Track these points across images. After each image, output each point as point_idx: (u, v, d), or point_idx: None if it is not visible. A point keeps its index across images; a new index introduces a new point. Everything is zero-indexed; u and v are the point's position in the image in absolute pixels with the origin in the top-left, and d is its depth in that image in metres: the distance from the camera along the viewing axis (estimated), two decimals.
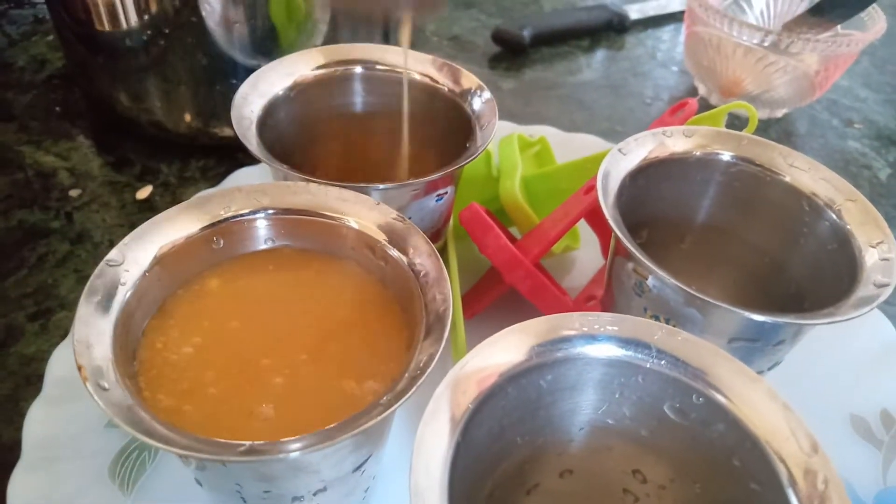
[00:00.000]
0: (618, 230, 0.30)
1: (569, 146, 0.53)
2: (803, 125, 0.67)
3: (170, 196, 0.52)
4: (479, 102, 0.38)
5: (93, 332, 0.24)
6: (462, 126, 0.38)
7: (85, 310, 0.25)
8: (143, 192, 0.52)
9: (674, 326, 0.31)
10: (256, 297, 0.30)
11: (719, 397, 0.25)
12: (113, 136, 0.57)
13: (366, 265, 0.31)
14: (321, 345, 0.28)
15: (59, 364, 0.36)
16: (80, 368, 0.23)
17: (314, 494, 0.26)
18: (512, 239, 0.45)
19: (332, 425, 0.22)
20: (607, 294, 0.36)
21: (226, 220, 0.30)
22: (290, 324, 0.29)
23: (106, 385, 0.23)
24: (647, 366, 0.26)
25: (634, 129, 0.60)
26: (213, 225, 0.30)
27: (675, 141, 0.36)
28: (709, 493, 0.27)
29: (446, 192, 0.36)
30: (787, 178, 0.35)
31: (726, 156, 0.36)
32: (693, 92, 0.69)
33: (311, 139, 0.41)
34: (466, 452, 0.23)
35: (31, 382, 0.39)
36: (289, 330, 0.29)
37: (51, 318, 0.43)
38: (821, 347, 0.39)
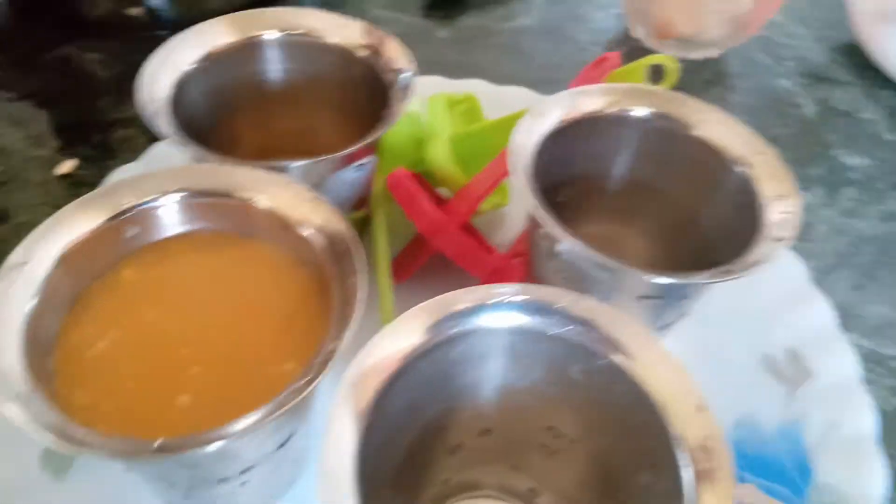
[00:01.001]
0: (529, 196, 0.30)
1: (500, 99, 0.52)
2: (736, 65, 0.67)
3: (93, 170, 0.51)
4: (399, 68, 0.38)
5: (2, 338, 0.24)
6: (380, 92, 0.38)
7: None
8: (64, 168, 0.51)
9: (586, 287, 0.32)
10: (173, 285, 0.30)
11: (619, 360, 0.26)
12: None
13: (281, 246, 0.31)
14: (239, 329, 0.29)
15: None
16: None
17: (241, 473, 0.27)
18: (442, 201, 0.45)
19: (243, 416, 0.23)
20: (528, 257, 0.37)
21: (135, 207, 0.30)
22: (208, 310, 0.29)
23: (15, 393, 0.23)
24: (550, 333, 0.27)
25: (570, 75, 0.60)
26: (122, 213, 0.30)
27: (592, 99, 0.36)
28: (617, 446, 0.28)
29: (366, 162, 0.36)
30: (699, 133, 0.36)
31: (641, 112, 0.37)
32: (628, 35, 0.69)
33: (229, 113, 0.40)
34: (378, 432, 0.24)
35: None
36: (206, 316, 0.29)
37: None
38: (733, 290, 0.41)
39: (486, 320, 0.26)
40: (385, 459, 0.26)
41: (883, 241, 0.52)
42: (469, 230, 0.44)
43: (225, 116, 0.40)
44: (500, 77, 0.57)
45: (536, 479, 0.33)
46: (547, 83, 0.61)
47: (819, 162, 0.57)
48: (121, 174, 0.45)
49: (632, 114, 0.37)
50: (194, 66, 0.37)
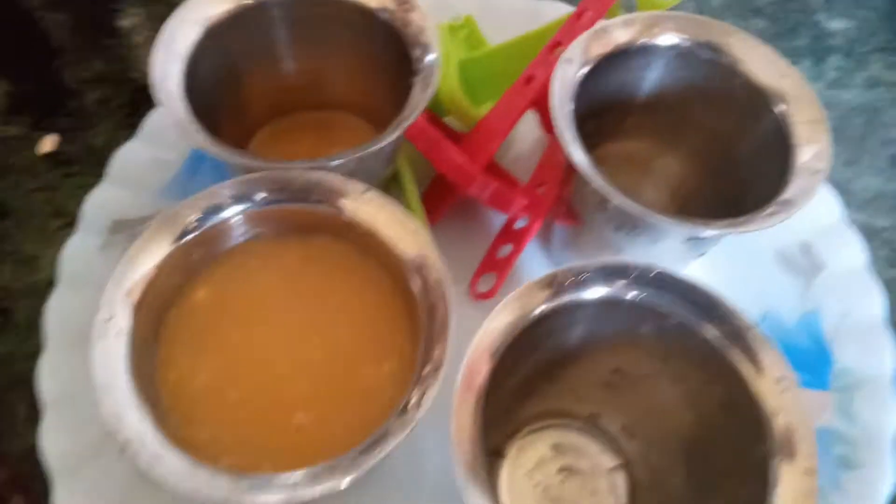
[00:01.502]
0: (578, 154, 0.31)
1: (493, 10, 0.50)
2: None
3: (79, 144, 0.48)
4: (425, 42, 0.36)
5: (117, 398, 0.25)
6: (398, 52, 0.36)
7: (101, 376, 0.25)
8: (46, 145, 0.48)
9: (636, 234, 0.34)
10: (248, 298, 0.30)
11: (691, 320, 0.29)
12: None
13: (347, 243, 0.31)
14: (329, 335, 0.30)
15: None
16: (124, 448, 0.24)
17: None
18: (455, 137, 0.45)
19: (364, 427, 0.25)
20: (573, 209, 0.37)
21: (199, 226, 0.29)
22: (291, 320, 0.30)
23: (151, 453, 0.24)
24: (627, 298, 0.29)
25: None
26: (186, 237, 0.29)
27: (621, 33, 0.36)
28: (684, 385, 0.31)
29: (396, 138, 0.35)
30: (726, 59, 0.36)
31: (668, 40, 0.36)
32: None
33: (240, 86, 0.38)
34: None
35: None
36: (292, 327, 0.30)
37: (8, 314, 0.42)
38: None
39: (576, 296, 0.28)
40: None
41: (870, 109, 0.54)
42: (491, 168, 0.44)
43: (236, 91, 0.38)
44: None
45: (598, 406, 0.37)
46: None
47: (803, 31, 0.58)
48: (126, 154, 0.43)
49: (659, 43, 0.36)
50: (198, 46, 0.35)
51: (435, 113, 0.44)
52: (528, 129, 0.47)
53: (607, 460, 0.37)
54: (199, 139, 0.31)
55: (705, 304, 0.28)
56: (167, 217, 0.28)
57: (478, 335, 0.26)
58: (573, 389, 0.36)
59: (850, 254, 0.42)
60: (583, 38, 0.34)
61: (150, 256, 0.28)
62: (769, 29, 0.58)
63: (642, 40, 0.36)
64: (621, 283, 0.29)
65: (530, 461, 0.36)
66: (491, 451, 0.35)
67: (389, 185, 0.42)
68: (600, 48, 0.35)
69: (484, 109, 0.46)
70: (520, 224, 0.43)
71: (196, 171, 0.44)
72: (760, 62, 0.35)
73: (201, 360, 0.29)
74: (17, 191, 0.46)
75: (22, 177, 0.47)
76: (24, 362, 0.40)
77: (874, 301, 0.41)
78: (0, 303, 0.42)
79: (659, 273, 0.29)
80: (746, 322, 0.28)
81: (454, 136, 0.45)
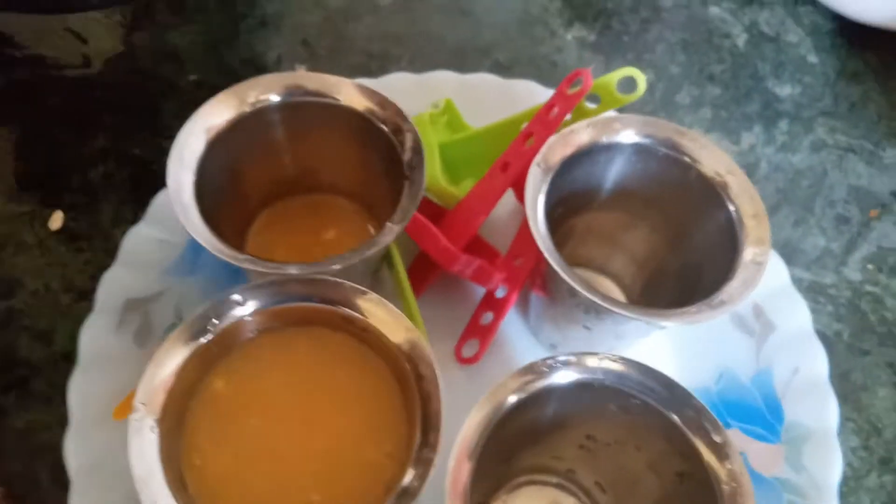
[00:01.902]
0: (560, 271, 0.35)
1: (470, 91, 0.55)
2: None
3: (85, 220, 0.51)
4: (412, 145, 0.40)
5: (154, 489, 0.29)
6: (390, 154, 0.41)
7: (139, 469, 0.29)
8: (56, 222, 0.51)
9: (602, 318, 0.38)
10: (261, 388, 0.34)
11: (651, 402, 0.33)
12: None
13: (347, 336, 0.35)
14: (334, 420, 0.33)
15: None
16: None
17: None
18: (437, 211, 0.49)
19: None
20: (546, 289, 0.42)
21: (215, 329, 0.33)
22: (301, 406, 0.34)
23: None
24: (595, 384, 0.33)
25: (516, 34, 0.62)
26: (205, 337, 0.33)
27: (582, 135, 0.40)
28: (646, 452, 0.36)
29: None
30: (679, 155, 0.41)
31: (627, 138, 0.41)
32: None
33: (242, 182, 0.42)
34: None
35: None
36: (301, 413, 0.33)
37: (26, 386, 0.45)
38: None
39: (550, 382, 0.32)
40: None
41: (815, 171, 0.59)
42: (471, 240, 0.48)
43: (238, 178, 0.42)
44: (454, 43, 0.59)
45: (574, 463, 0.41)
46: (499, 47, 0.63)
47: (754, 96, 0.63)
48: (135, 237, 0.47)
49: (619, 141, 0.41)
50: (207, 148, 0.39)
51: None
52: (505, 199, 0.51)
53: None
54: (220, 249, 0.34)
55: (664, 387, 0.33)
56: (188, 322, 0.32)
57: (458, 438, 0.30)
58: (551, 450, 0.40)
59: (796, 315, 0.47)
60: (549, 143, 0.39)
61: (175, 357, 0.32)
62: (724, 95, 0.63)
63: (604, 139, 0.40)
64: (589, 367, 0.33)
65: None
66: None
67: (383, 262, 0.46)
68: (563, 152, 0.39)
69: (465, 185, 0.50)
70: (500, 293, 0.47)
71: (200, 250, 0.47)
72: (710, 159, 0.40)
73: (222, 446, 0.32)
74: (30, 268, 0.49)
75: (34, 254, 0.50)
76: (45, 432, 0.43)
77: (818, 360, 0.45)
78: (20, 375, 0.45)
79: (623, 360, 0.33)
80: (699, 404, 0.32)
81: (437, 212, 0.49)
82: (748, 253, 0.37)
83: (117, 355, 0.43)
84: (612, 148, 0.40)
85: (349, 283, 0.34)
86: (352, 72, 0.50)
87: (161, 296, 0.46)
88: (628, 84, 0.44)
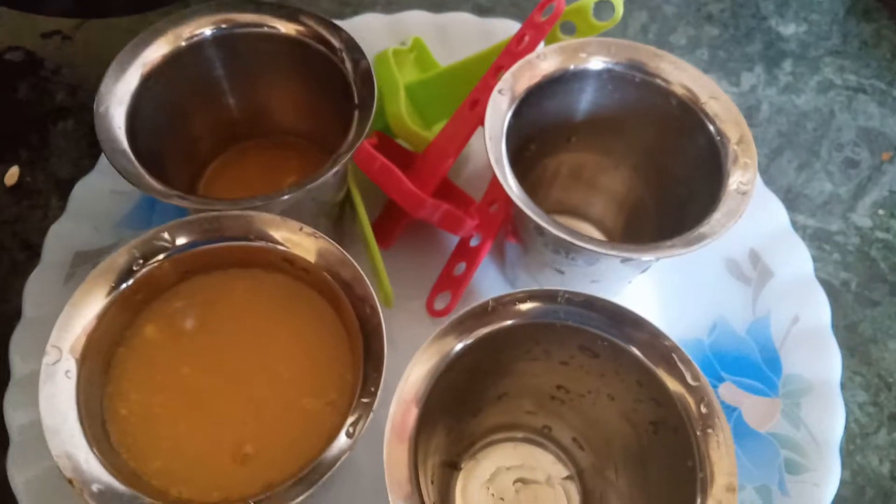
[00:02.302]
0: (523, 206, 0.32)
1: (444, 31, 0.51)
2: None
3: (42, 176, 0.49)
4: (356, 58, 0.37)
5: (65, 438, 0.26)
6: (340, 83, 0.37)
7: (49, 418, 0.26)
8: (12, 177, 0.49)
9: (574, 256, 0.35)
10: (194, 334, 0.31)
11: (619, 342, 0.30)
12: None
13: (288, 277, 0.32)
14: (273, 367, 0.31)
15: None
16: (71, 482, 0.25)
17: None
18: (408, 157, 0.46)
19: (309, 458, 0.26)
20: (515, 231, 0.39)
21: (139, 270, 0.30)
22: (237, 354, 0.31)
23: (99, 488, 0.25)
24: (558, 324, 0.30)
25: None
26: (127, 282, 0.30)
27: (549, 61, 0.37)
28: (619, 401, 0.32)
29: (342, 165, 0.36)
30: (657, 81, 0.37)
31: (599, 64, 0.37)
32: None
33: (187, 124, 0.39)
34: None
35: None
36: (238, 361, 0.31)
37: None
38: None
39: (509, 322, 0.29)
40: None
41: (821, 113, 0.55)
42: (444, 187, 0.45)
43: (182, 120, 0.39)
44: None
45: (549, 419, 0.38)
46: None
47: (756, 36, 0.59)
48: (85, 188, 0.44)
49: (591, 68, 0.37)
50: (138, 87, 0.36)
51: (388, 135, 0.46)
52: (481, 146, 0.48)
53: (560, 470, 0.38)
54: (143, 182, 0.32)
55: (632, 326, 0.29)
56: (106, 263, 0.29)
57: (399, 386, 0.27)
58: (523, 404, 0.37)
59: (796, 261, 0.43)
60: (512, 69, 0.35)
61: (93, 302, 0.29)
62: (722, 35, 0.59)
63: (573, 66, 0.36)
64: (551, 307, 0.30)
65: (486, 473, 0.38)
66: (447, 463, 0.37)
67: (344, 207, 0.43)
68: (530, 78, 0.36)
69: (436, 129, 0.47)
70: (474, 242, 0.44)
71: (154, 201, 0.45)
72: (691, 84, 0.36)
73: (151, 394, 0.30)
74: None
75: None
76: None
77: (820, 308, 0.42)
78: None
79: (587, 298, 0.30)
80: (671, 342, 0.29)
81: (407, 157, 0.46)
82: (733, 182, 0.33)
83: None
84: (583, 75, 0.37)
85: (288, 219, 0.31)
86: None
87: (113, 248, 0.43)
88: (606, 9, 0.40)
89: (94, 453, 0.26)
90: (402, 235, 0.46)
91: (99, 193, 0.44)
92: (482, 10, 0.58)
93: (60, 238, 0.42)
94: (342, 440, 0.26)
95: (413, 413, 0.27)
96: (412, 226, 0.45)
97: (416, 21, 0.52)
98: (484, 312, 0.29)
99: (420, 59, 0.48)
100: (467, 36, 0.51)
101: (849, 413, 0.43)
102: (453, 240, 0.45)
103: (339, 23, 0.49)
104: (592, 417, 0.35)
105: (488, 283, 0.45)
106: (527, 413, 0.38)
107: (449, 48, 0.50)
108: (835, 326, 0.43)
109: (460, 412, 0.35)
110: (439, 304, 0.44)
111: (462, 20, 0.52)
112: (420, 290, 0.44)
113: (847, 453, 0.42)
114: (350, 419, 0.27)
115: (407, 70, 0.47)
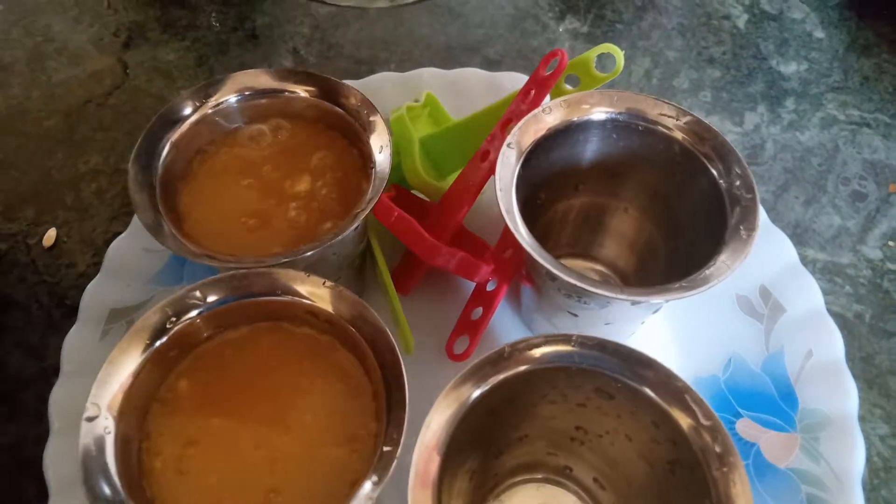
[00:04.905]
0: (534, 254, 0.33)
1: (455, 86, 0.54)
2: None
3: (77, 235, 0.52)
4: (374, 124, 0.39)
5: (102, 492, 0.28)
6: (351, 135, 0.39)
7: (88, 472, 0.28)
8: (49, 239, 0.51)
9: (586, 301, 0.36)
10: (224, 387, 0.33)
11: (633, 384, 0.31)
12: None
13: (312, 330, 0.34)
14: (298, 419, 0.32)
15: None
16: None
17: None
18: (424, 207, 0.48)
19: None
20: (528, 276, 0.40)
21: (170, 330, 0.32)
22: (265, 405, 0.32)
23: None
24: (573, 368, 0.31)
25: (506, 30, 0.61)
26: (161, 340, 0.32)
27: (554, 115, 0.39)
28: (637, 442, 0.33)
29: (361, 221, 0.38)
30: (658, 128, 0.39)
31: (602, 115, 0.39)
32: None
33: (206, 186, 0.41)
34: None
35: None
36: (265, 412, 0.32)
37: (16, 400, 0.45)
38: None
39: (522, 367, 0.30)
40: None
41: (826, 149, 0.56)
42: (460, 234, 0.47)
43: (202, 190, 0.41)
44: (440, 46, 0.58)
45: (570, 459, 0.38)
46: (487, 44, 0.62)
47: (757, 76, 0.61)
48: (119, 247, 0.46)
49: (594, 118, 0.39)
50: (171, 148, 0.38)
51: (404, 187, 0.48)
52: (494, 194, 0.50)
53: None
54: (174, 244, 0.34)
55: (644, 368, 0.30)
56: (141, 322, 0.31)
57: (421, 434, 0.28)
58: (544, 445, 0.38)
59: (806, 295, 0.44)
60: (520, 124, 0.37)
61: (129, 360, 0.31)
62: (724, 76, 0.60)
63: (577, 118, 0.38)
64: (565, 350, 0.31)
65: None
66: None
67: (365, 256, 0.45)
68: (536, 132, 0.37)
69: (450, 180, 0.49)
70: (491, 287, 0.45)
71: (185, 259, 0.47)
72: (690, 128, 0.38)
73: (184, 447, 0.31)
74: (21, 284, 0.50)
75: (25, 270, 0.50)
76: (33, 446, 0.43)
77: (833, 341, 0.42)
78: (9, 391, 0.45)
79: (599, 341, 0.31)
80: (683, 383, 0.30)
81: (423, 208, 0.48)
82: (736, 223, 0.34)
83: (101, 366, 0.42)
84: (587, 125, 0.39)
85: (312, 274, 0.33)
86: (340, 77, 0.49)
87: (146, 304, 0.45)
88: (607, 62, 0.42)
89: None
90: (420, 282, 0.47)
91: (132, 252, 0.46)
92: (490, 64, 0.60)
93: (96, 296, 0.44)
94: (367, 487, 0.28)
95: (436, 460, 0.29)
96: (430, 273, 0.47)
97: (429, 77, 0.54)
98: (500, 358, 0.31)
99: (433, 114, 0.50)
100: (477, 90, 0.53)
101: (871, 446, 0.43)
102: (470, 285, 0.47)
103: (354, 82, 0.53)
104: (612, 457, 0.36)
105: (505, 326, 0.46)
106: (548, 454, 0.38)
107: (460, 102, 0.52)
108: (850, 359, 0.44)
109: (482, 455, 0.36)
110: (458, 349, 0.45)
111: (472, 75, 0.54)
112: (439, 335, 0.45)
113: (871, 488, 0.42)
114: (374, 467, 0.28)
115: (421, 125, 0.49)
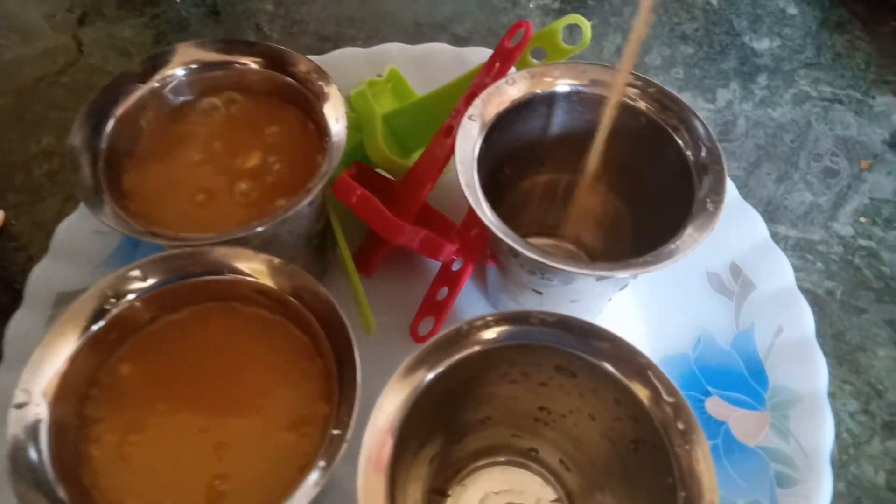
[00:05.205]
0: (494, 228, 0.32)
1: (422, 62, 0.52)
2: None
3: (28, 218, 0.50)
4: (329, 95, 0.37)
5: (33, 482, 0.26)
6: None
7: (16, 462, 0.26)
8: None
9: (549, 277, 0.35)
10: (169, 371, 0.31)
11: (594, 361, 0.30)
12: None
13: (262, 310, 0.32)
14: (248, 402, 0.30)
15: None
16: None
17: None
18: (387, 185, 0.46)
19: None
20: (493, 254, 0.39)
21: (109, 312, 0.30)
22: (214, 388, 0.31)
23: None
24: (533, 345, 0.30)
25: (475, 6, 0.60)
26: (99, 324, 0.30)
27: (518, 86, 0.37)
28: (600, 421, 0.32)
29: (316, 195, 0.37)
30: (625, 99, 0.37)
31: (566, 87, 0.38)
32: None
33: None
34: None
35: None
36: (214, 395, 0.31)
37: None
38: None
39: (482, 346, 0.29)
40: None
41: (798, 125, 0.55)
42: (424, 212, 0.45)
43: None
44: (408, 22, 0.56)
45: (535, 441, 0.37)
46: (456, 21, 0.60)
47: (730, 53, 0.60)
48: (68, 229, 0.45)
49: (559, 91, 0.38)
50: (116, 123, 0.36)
51: (367, 164, 0.46)
52: None
53: (549, 493, 0.37)
54: (115, 219, 0.32)
55: (607, 344, 0.29)
56: (78, 304, 0.30)
57: (372, 416, 0.27)
58: (507, 427, 0.37)
59: (777, 273, 0.43)
60: (482, 95, 0.36)
61: (65, 344, 0.29)
62: (697, 53, 0.59)
63: (540, 90, 0.37)
64: (525, 328, 0.30)
65: (474, 499, 0.37)
66: (435, 490, 0.36)
67: (325, 236, 0.43)
68: (499, 104, 0.36)
69: (415, 157, 0.47)
70: (456, 266, 0.44)
71: (137, 241, 0.45)
72: (655, 99, 0.36)
73: (125, 434, 0.29)
74: None
75: None
76: None
77: (803, 317, 0.41)
78: None
79: (561, 318, 0.30)
80: (646, 359, 0.29)
81: (387, 185, 0.46)
82: (703, 195, 0.33)
83: None
84: (552, 98, 0.37)
85: (261, 253, 0.31)
86: (304, 54, 0.48)
87: None
88: (575, 34, 0.41)
89: (65, 497, 0.26)
90: (385, 262, 0.46)
91: (82, 234, 0.44)
92: (459, 41, 0.59)
93: (43, 279, 0.43)
94: (314, 473, 0.26)
95: (389, 443, 0.27)
96: (395, 253, 0.46)
97: (394, 53, 0.53)
98: (457, 337, 0.29)
99: (397, 90, 0.49)
100: (444, 65, 0.52)
101: (840, 423, 0.42)
102: (436, 265, 0.46)
103: (317, 58, 0.51)
104: (576, 438, 0.35)
105: (472, 306, 0.45)
106: (512, 436, 0.37)
107: (427, 78, 0.50)
108: (821, 336, 0.43)
109: (442, 439, 0.34)
110: (423, 330, 0.44)
111: (439, 50, 0.53)
112: (404, 316, 0.44)
113: (840, 464, 0.41)
114: (323, 451, 0.27)
115: (384, 101, 0.48)
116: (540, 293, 0.37)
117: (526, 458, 0.38)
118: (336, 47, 0.58)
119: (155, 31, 0.60)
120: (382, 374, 0.31)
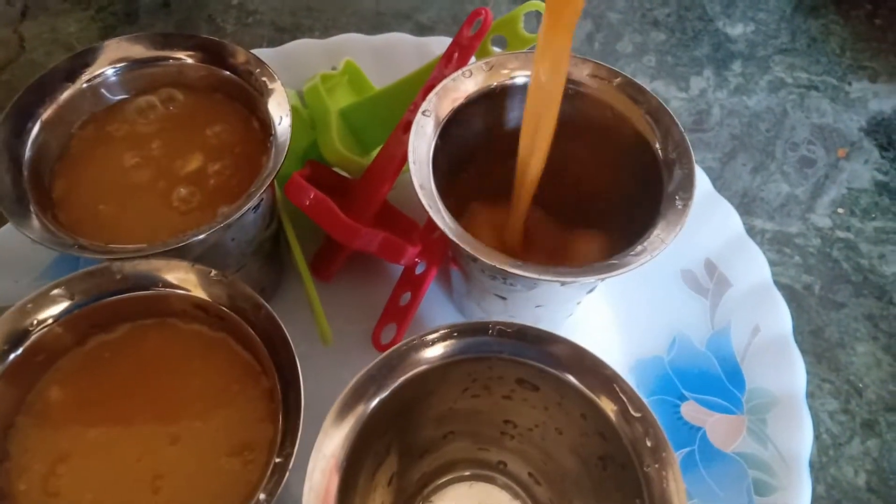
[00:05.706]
0: (449, 232, 0.30)
1: (381, 53, 0.50)
2: None
3: None
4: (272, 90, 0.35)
5: None
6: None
7: None
8: None
9: (511, 285, 0.33)
10: (103, 394, 0.29)
11: (557, 373, 0.28)
12: None
13: (202, 326, 0.30)
14: (187, 426, 0.28)
15: None
16: None
17: None
18: (344, 185, 0.44)
19: None
20: (454, 257, 0.37)
21: (32, 333, 0.28)
22: (150, 412, 0.29)
23: None
24: (493, 358, 0.28)
25: None
26: (23, 345, 0.28)
27: (475, 79, 0.35)
28: (567, 436, 0.30)
29: (261, 200, 0.34)
30: (587, 91, 0.35)
31: (526, 79, 0.36)
32: None
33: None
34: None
35: None
36: (151, 420, 0.28)
37: None
38: None
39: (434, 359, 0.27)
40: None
41: (774, 113, 0.54)
42: (385, 213, 0.43)
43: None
44: (368, 10, 0.54)
45: (503, 454, 0.35)
46: (416, 10, 0.58)
47: (703, 39, 0.58)
48: (4, 238, 0.42)
49: (518, 83, 0.35)
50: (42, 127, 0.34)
51: (322, 163, 0.43)
52: None
53: None
54: (37, 230, 0.29)
55: (570, 356, 0.27)
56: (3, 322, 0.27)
57: (312, 458, 0.25)
58: (472, 441, 0.35)
59: (753, 269, 0.41)
60: (436, 89, 0.34)
61: None
62: (669, 40, 0.57)
63: (496, 83, 0.35)
64: (482, 340, 0.28)
65: None
66: None
67: (279, 242, 0.41)
68: (454, 100, 0.34)
69: (374, 154, 0.45)
70: (419, 270, 0.42)
71: None
72: (619, 91, 0.34)
73: (55, 464, 0.27)
74: None
75: None
76: None
77: (780, 315, 0.40)
78: None
79: (520, 328, 0.28)
80: (611, 371, 0.27)
81: (344, 185, 0.44)
82: (672, 192, 0.31)
83: None
84: (511, 91, 0.35)
85: (198, 265, 0.29)
86: (259, 47, 0.45)
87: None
88: (537, 21, 0.39)
89: None
90: (346, 266, 0.43)
91: (20, 245, 0.42)
92: (423, 30, 0.56)
93: None
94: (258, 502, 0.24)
95: (334, 480, 0.25)
96: (356, 256, 0.43)
97: (352, 44, 0.50)
98: (408, 353, 0.27)
99: (354, 83, 0.46)
100: (405, 56, 0.49)
101: (819, 423, 0.41)
102: (398, 269, 0.43)
103: (268, 51, 0.48)
104: (545, 451, 0.33)
105: (436, 312, 0.42)
106: (479, 450, 0.35)
107: (387, 70, 0.48)
108: (800, 332, 0.41)
109: (401, 458, 0.32)
110: (386, 338, 0.41)
111: (398, 41, 0.50)
112: (366, 323, 0.42)
113: (820, 466, 0.40)
114: (265, 482, 0.25)
115: (341, 95, 0.45)
116: (504, 298, 0.35)
117: (494, 471, 0.36)
118: (294, 38, 0.55)
119: (102, 25, 0.57)
120: (342, 386, 0.29)
